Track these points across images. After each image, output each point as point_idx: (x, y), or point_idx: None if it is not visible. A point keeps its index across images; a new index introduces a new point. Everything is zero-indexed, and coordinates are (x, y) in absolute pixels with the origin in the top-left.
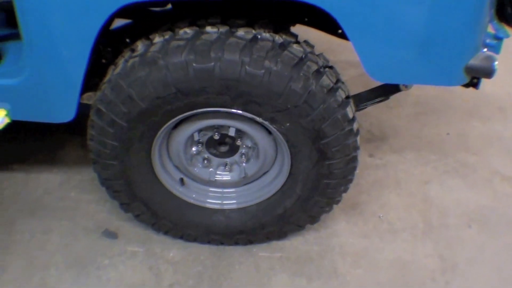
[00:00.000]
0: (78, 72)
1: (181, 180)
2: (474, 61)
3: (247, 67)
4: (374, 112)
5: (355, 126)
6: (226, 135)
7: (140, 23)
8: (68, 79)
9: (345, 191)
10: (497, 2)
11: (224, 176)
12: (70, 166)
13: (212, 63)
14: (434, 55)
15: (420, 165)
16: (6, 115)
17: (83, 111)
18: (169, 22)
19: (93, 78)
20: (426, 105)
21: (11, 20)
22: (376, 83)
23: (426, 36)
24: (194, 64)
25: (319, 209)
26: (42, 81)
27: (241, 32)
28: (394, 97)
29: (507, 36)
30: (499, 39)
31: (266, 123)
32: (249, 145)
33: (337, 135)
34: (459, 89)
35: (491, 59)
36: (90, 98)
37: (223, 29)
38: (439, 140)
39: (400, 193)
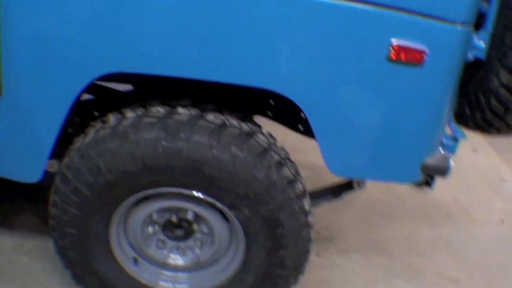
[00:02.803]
0: (50, 134)
1: (135, 259)
2: (431, 160)
3: (214, 150)
4: (323, 212)
5: (310, 218)
6: (183, 219)
7: (104, 100)
8: (39, 140)
9: (295, 283)
10: (457, 105)
11: (177, 259)
12: (24, 232)
13: (181, 143)
14: (392, 152)
15: (367, 267)
16: None
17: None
18: (132, 101)
19: (57, 146)
20: (374, 209)
21: None
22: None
23: (385, 134)
24: (163, 142)
25: None
26: (14, 137)
27: (210, 116)
28: (345, 201)
29: (464, 137)
30: (456, 140)
31: (226, 209)
32: (205, 231)
33: (293, 225)
34: (407, 195)
35: (447, 159)
36: (53, 165)
37: (194, 111)
38: (386, 243)
39: None
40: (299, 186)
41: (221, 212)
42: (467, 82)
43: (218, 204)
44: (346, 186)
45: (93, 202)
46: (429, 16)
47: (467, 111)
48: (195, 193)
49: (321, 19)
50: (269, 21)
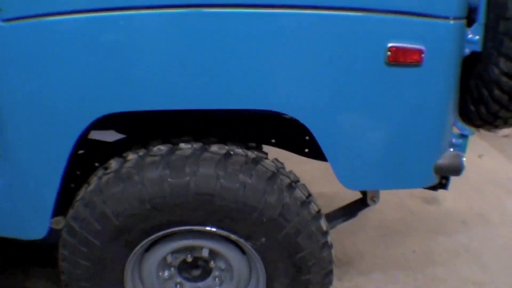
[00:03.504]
0: (51, 189)
1: None
2: (443, 160)
3: (222, 180)
4: (338, 238)
5: (329, 238)
6: (199, 258)
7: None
8: (41, 196)
9: None
10: (460, 103)
11: None
12: None
13: (187, 178)
14: (404, 158)
15: (390, 284)
16: None
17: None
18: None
19: (62, 202)
20: (389, 228)
21: None
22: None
23: (394, 140)
24: (169, 179)
25: None
26: (16, 195)
27: (214, 147)
28: (356, 222)
29: (471, 133)
30: (464, 136)
31: (241, 240)
32: (223, 267)
33: (312, 247)
34: (420, 208)
35: (459, 156)
36: (58, 222)
37: (197, 145)
38: (405, 258)
39: None
40: (313, 207)
41: (237, 244)
42: (468, 78)
43: (233, 236)
44: (360, 204)
45: (104, 251)
46: (422, 15)
47: (471, 107)
48: (208, 228)
49: (315, 31)
50: (268, 45)
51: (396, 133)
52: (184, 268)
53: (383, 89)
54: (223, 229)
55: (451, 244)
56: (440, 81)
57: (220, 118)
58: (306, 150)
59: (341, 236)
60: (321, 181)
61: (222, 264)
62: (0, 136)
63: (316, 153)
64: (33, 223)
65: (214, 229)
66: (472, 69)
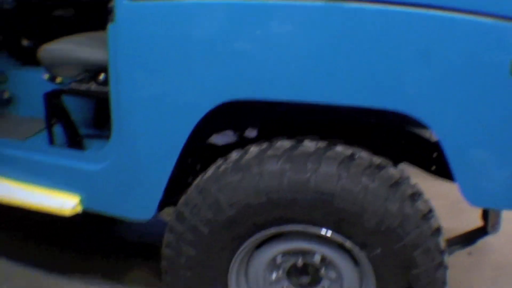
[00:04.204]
0: (165, 170)
1: None
2: None
3: (344, 181)
4: (453, 273)
5: (445, 259)
6: (309, 265)
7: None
8: (154, 176)
9: None
10: None
11: None
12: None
13: (308, 174)
14: None
15: None
16: (79, 203)
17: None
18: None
19: (176, 194)
20: (504, 270)
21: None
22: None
23: None
24: (289, 174)
25: None
26: (126, 170)
27: (339, 148)
28: (474, 261)
29: None
30: None
31: (356, 248)
32: (332, 277)
33: (428, 265)
34: None
35: None
36: (170, 214)
37: (322, 144)
38: None
39: None
40: (433, 222)
41: (350, 255)
42: None
43: (348, 244)
44: (480, 231)
45: (211, 241)
46: None
47: None
48: (323, 231)
49: (448, 34)
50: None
51: None
52: (292, 274)
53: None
54: (338, 233)
55: None
56: None
57: (345, 129)
58: (433, 167)
59: (456, 273)
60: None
61: (332, 274)
62: (116, 117)
63: (443, 172)
64: (141, 204)
65: (329, 233)
66: None
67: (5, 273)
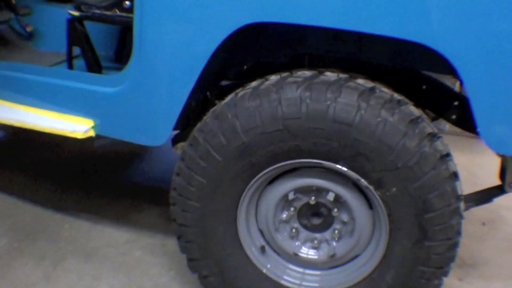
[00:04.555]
0: (184, 89)
1: (262, 248)
2: None
3: (363, 112)
4: (467, 242)
5: (461, 205)
6: (322, 205)
7: None
8: (170, 97)
9: (438, 286)
10: None
11: (309, 253)
12: (142, 229)
13: (328, 103)
14: None
15: None
16: (93, 127)
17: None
18: None
19: (190, 129)
20: None
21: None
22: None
23: None
24: (308, 101)
25: None
26: (143, 92)
27: (361, 80)
28: (488, 231)
29: None
30: None
31: (371, 187)
32: (345, 220)
33: (443, 210)
34: None
35: None
36: (180, 148)
37: (343, 75)
38: None
39: None
40: (451, 165)
41: (364, 197)
42: None
43: (363, 182)
44: (497, 189)
45: (224, 169)
46: None
47: None
48: (339, 166)
49: None
50: None
51: None
52: (303, 214)
53: None
54: (354, 170)
55: None
56: None
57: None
58: (454, 116)
59: (470, 241)
60: None
61: (344, 217)
62: (137, 39)
63: (463, 122)
64: (155, 129)
65: (344, 169)
66: None
67: (8, 209)
